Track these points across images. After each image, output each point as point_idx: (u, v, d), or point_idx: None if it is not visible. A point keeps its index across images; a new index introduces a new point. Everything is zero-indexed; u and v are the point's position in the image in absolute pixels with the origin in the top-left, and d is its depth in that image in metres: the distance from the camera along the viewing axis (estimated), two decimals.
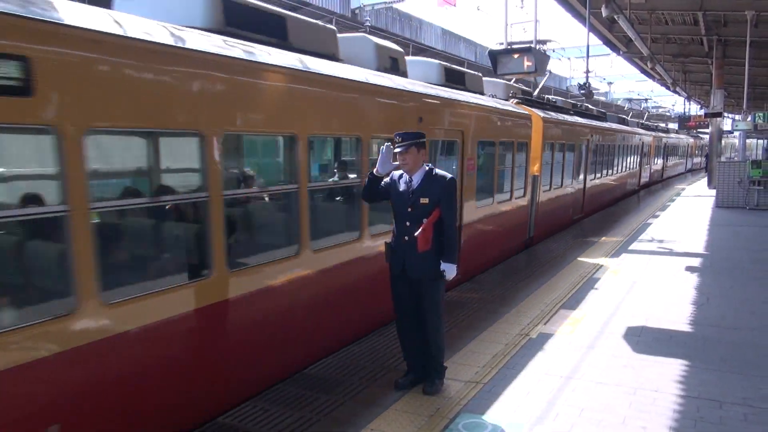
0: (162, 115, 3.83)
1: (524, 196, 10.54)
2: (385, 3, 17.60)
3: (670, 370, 5.00)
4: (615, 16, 12.14)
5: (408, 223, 4.47)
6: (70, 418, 3.32)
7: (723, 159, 25.75)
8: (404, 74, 7.37)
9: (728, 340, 5.74)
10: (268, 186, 5.44)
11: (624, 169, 20.18)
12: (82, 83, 3.29)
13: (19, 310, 3.33)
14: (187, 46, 3.96)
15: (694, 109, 38.62)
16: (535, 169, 10.94)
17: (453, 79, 8.72)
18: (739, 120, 20.89)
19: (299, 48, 5.46)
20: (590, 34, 13.72)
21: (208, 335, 4.22)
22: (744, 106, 20.02)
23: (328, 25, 6.25)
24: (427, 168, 4.55)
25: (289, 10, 17.53)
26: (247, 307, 4.47)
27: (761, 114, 20.82)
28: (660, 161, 29.14)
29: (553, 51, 13.96)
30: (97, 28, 3.38)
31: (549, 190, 12.07)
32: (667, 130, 35.10)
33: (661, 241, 11.35)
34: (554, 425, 4.05)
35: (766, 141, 35.33)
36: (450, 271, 4.44)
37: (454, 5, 22.23)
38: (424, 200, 4.44)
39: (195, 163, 4.15)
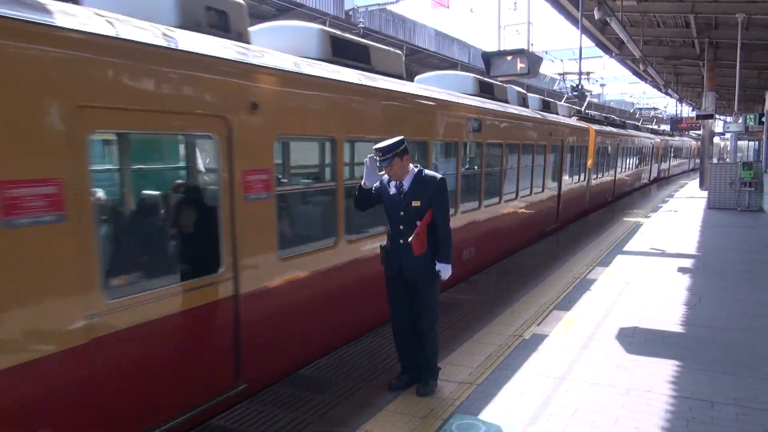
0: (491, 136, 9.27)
1: (584, 181, 15.82)
2: (379, 4, 17.60)
3: (663, 370, 5.03)
4: (607, 19, 12.21)
5: (401, 227, 4.47)
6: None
7: (714, 161, 25.99)
8: (527, 106, 12.24)
9: (720, 341, 5.77)
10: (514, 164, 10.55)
11: (640, 167, 25.94)
12: (486, 125, 8.90)
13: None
14: (478, 104, 8.97)
15: (686, 111, 38.90)
16: (589, 164, 15.95)
17: (546, 106, 13.96)
18: (731, 122, 21.03)
19: (500, 100, 10.39)
20: (583, 36, 13.78)
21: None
22: (735, 108, 20.16)
23: (503, 84, 10.76)
24: (416, 170, 4.52)
25: (282, 11, 17.47)
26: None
27: (752, 116, 20.97)
28: (667, 160, 34.96)
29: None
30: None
31: (596, 179, 17.38)
32: (672, 134, 38.11)
33: (653, 243, 11.41)
34: (548, 426, 4.06)
35: (757, 143, 35.63)
36: (445, 271, 4.44)
37: (448, 7, 22.28)
38: (416, 203, 4.42)
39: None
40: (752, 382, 4.77)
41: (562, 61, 33.57)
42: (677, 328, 6.21)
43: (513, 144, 10.22)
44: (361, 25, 17.61)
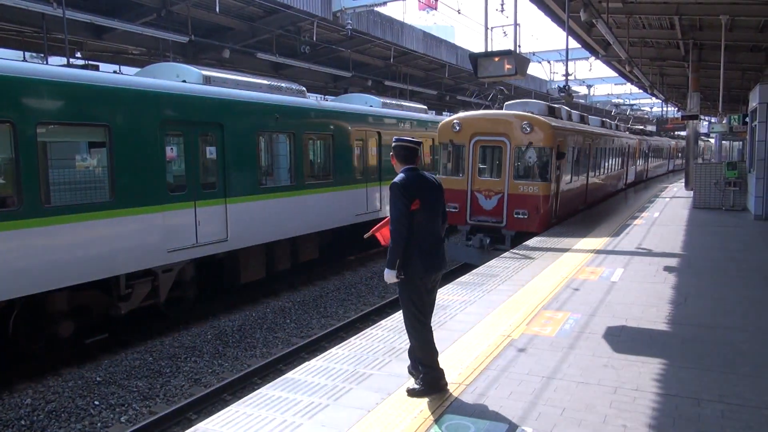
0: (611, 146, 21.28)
1: (633, 167, 26.23)
2: (366, 6, 17.58)
3: (650, 369, 5.07)
4: (593, 20, 12.29)
5: None
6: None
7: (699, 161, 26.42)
8: (618, 129, 24.75)
9: (705, 339, 5.84)
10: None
11: (662, 160, 38.28)
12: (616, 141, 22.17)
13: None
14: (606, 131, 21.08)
15: (672, 112, 39.30)
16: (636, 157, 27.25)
17: (617, 127, 23.76)
18: (715, 123, 21.25)
19: (610, 128, 22.43)
20: (569, 37, 13.86)
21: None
22: (720, 109, 20.37)
23: (595, 117, 23.05)
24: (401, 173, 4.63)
25: (269, 13, 17.31)
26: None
27: (736, 116, 21.20)
28: (679, 158, 46.29)
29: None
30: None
31: (639, 166, 28.29)
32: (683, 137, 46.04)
33: (639, 242, 11.50)
34: (536, 425, 4.08)
35: (740, 143, 36.04)
36: (385, 275, 4.46)
37: (436, 9, 22.32)
38: None
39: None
40: (736, 379, 4.83)
41: (549, 62, 33.78)
42: (664, 327, 6.27)
43: (620, 148, 21.93)
44: (348, 26, 17.59)
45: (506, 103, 15.14)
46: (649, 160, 32.61)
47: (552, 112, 14.62)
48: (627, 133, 25.97)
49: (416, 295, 4.54)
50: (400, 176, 4.55)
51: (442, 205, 4.72)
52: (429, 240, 4.51)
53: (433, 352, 4.63)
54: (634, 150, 26.13)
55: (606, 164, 19.66)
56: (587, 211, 16.72)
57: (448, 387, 4.68)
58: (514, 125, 12.46)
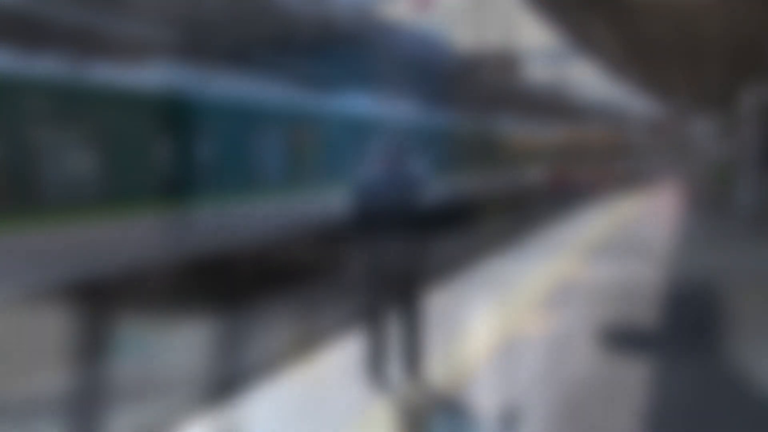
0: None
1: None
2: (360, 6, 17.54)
3: (643, 367, 5.10)
4: (586, 21, 12.31)
5: None
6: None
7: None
8: None
9: (698, 338, 5.88)
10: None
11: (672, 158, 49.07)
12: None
13: None
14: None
15: (664, 112, 39.80)
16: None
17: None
18: (706, 123, 21.41)
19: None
20: (560, 36, 13.91)
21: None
22: (711, 110, 20.52)
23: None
24: None
25: (262, 11, 17.25)
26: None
27: (727, 117, 21.36)
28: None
29: None
30: None
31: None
32: None
33: (631, 242, 11.56)
34: (528, 424, 4.09)
35: (729, 144, 36.81)
36: None
37: (430, 10, 22.34)
38: None
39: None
40: (730, 378, 4.85)
41: (541, 62, 33.86)
42: (656, 326, 6.30)
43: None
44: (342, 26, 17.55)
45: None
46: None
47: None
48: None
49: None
50: (362, 173, 4.72)
51: (413, 200, 4.63)
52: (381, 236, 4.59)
53: (371, 337, 4.75)
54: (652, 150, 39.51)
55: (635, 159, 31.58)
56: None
57: (385, 377, 4.78)
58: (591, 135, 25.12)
